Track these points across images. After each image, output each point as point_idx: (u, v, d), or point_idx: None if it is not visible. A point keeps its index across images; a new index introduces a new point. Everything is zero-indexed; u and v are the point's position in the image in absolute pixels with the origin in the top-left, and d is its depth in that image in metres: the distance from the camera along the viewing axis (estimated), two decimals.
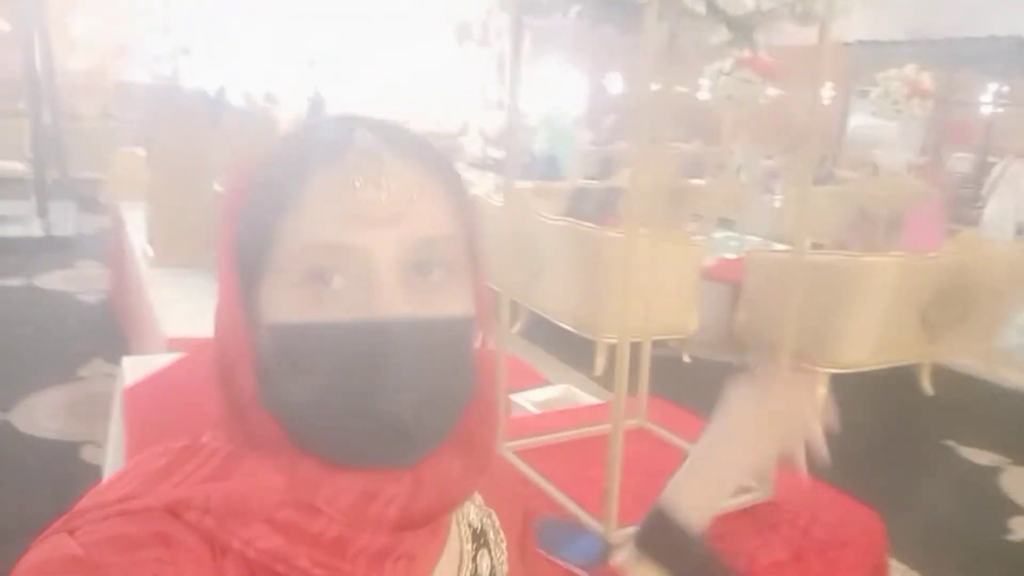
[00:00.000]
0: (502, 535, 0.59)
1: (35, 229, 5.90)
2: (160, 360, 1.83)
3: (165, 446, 0.49)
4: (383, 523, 0.46)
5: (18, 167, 6.92)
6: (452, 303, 0.48)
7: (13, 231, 5.83)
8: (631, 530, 0.69)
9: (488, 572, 0.56)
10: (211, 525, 0.44)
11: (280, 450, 0.46)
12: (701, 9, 0.95)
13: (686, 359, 3.92)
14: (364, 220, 0.45)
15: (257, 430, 0.47)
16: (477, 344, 0.50)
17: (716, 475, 0.69)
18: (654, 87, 1.23)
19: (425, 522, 0.48)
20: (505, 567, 0.58)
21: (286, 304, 0.46)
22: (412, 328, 0.45)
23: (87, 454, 2.66)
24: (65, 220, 6.18)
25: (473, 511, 0.59)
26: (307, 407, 0.46)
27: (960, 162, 8.52)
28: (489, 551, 0.58)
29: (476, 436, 0.50)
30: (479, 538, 0.58)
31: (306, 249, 0.45)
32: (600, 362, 3.66)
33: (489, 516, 0.60)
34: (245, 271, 0.47)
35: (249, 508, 0.45)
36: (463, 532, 0.56)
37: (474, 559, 0.56)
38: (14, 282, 4.76)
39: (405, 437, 0.45)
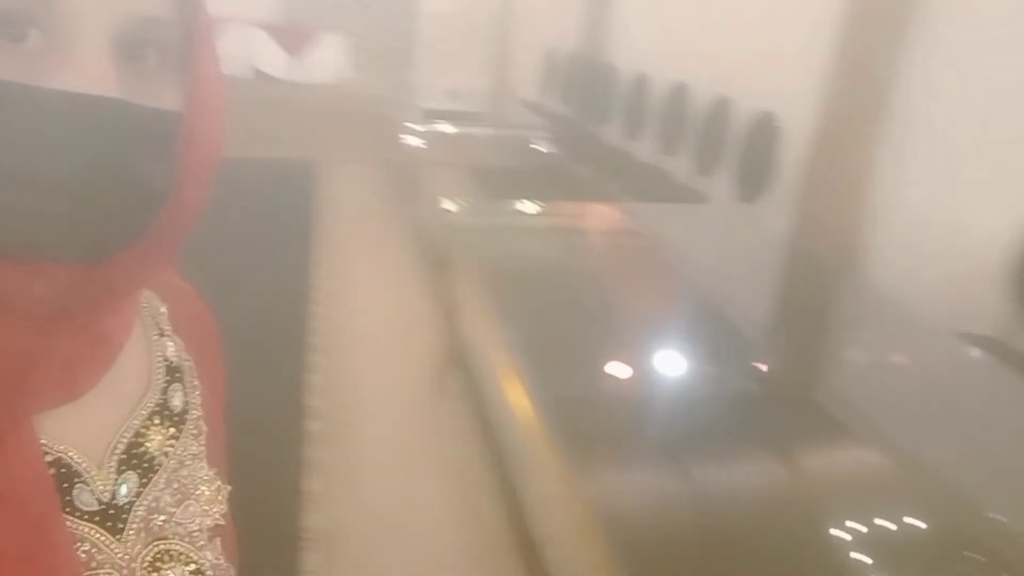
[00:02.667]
0: (196, 381, 0.56)
1: None
2: None
3: None
4: (22, 325, 0.41)
5: None
6: (162, 94, 0.42)
7: None
8: None
9: (181, 409, 0.53)
10: None
11: None
12: None
13: None
14: None
15: None
16: (186, 146, 0.44)
17: None
18: None
19: (79, 320, 0.44)
20: (199, 412, 0.55)
21: None
22: (111, 108, 0.39)
23: None
24: None
25: (171, 347, 0.55)
26: None
27: None
28: (184, 389, 0.54)
29: (164, 236, 0.45)
30: (173, 372, 0.54)
31: None
32: None
33: (189, 361, 0.56)
34: None
35: None
36: (155, 363, 0.53)
37: (165, 391, 0.52)
38: None
39: (88, 230, 0.40)
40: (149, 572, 0.47)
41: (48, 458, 0.43)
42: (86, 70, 0.38)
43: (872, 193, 3.23)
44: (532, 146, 4.42)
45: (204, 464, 0.53)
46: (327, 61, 8.26)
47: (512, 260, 2.68)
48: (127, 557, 0.46)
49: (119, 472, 0.46)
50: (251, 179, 5.19)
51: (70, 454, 0.44)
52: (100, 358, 0.46)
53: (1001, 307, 2.56)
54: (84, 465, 0.45)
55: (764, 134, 3.57)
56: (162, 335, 0.54)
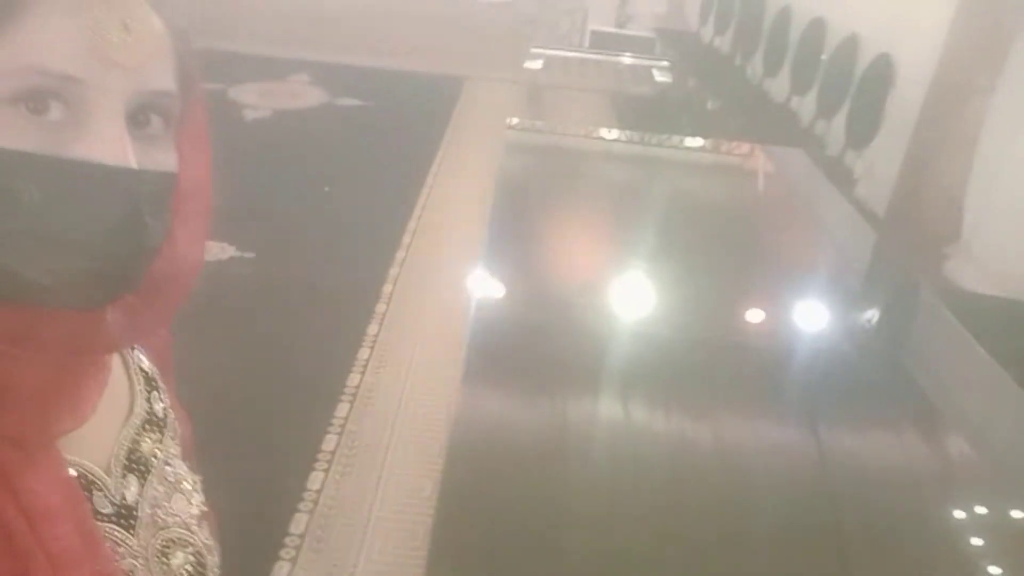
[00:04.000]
0: (164, 386, 0.62)
1: None
2: None
3: None
4: (46, 362, 0.46)
5: None
6: (161, 158, 0.47)
7: None
8: None
9: (163, 415, 0.59)
10: None
11: None
12: None
13: None
14: (104, 59, 0.43)
15: None
16: (179, 201, 0.49)
17: None
18: None
19: (93, 363, 0.50)
20: (173, 414, 0.61)
21: None
22: (127, 177, 0.43)
23: None
24: None
25: (144, 359, 0.61)
26: None
27: None
28: (160, 396, 0.60)
29: (160, 288, 0.50)
30: (151, 382, 0.60)
31: (30, 72, 0.41)
32: None
33: (155, 369, 0.62)
34: None
35: None
36: (134, 374, 0.58)
37: (148, 400, 0.58)
38: None
39: (96, 283, 0.44)
40: (160, 557, 0.54)
41: (72, 472, 0.49)
42: (104, 139, 0.42)
43: (980, 151, 3.02)
44: (657, 76, 4.44)
45: (181, 460, 0.59)
46: None
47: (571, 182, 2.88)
48: (141, 547, 0.53)
49: (123, 476, 0.53)
50: (403, 90, 5.67)
51: (86, 465, 0.51)
52: (99, 383, 0.51)
53: None
54: (98, 474, 0.51)
55: (879, 77, 3.40)
56: (134, 348, 0.59)
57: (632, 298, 2.25)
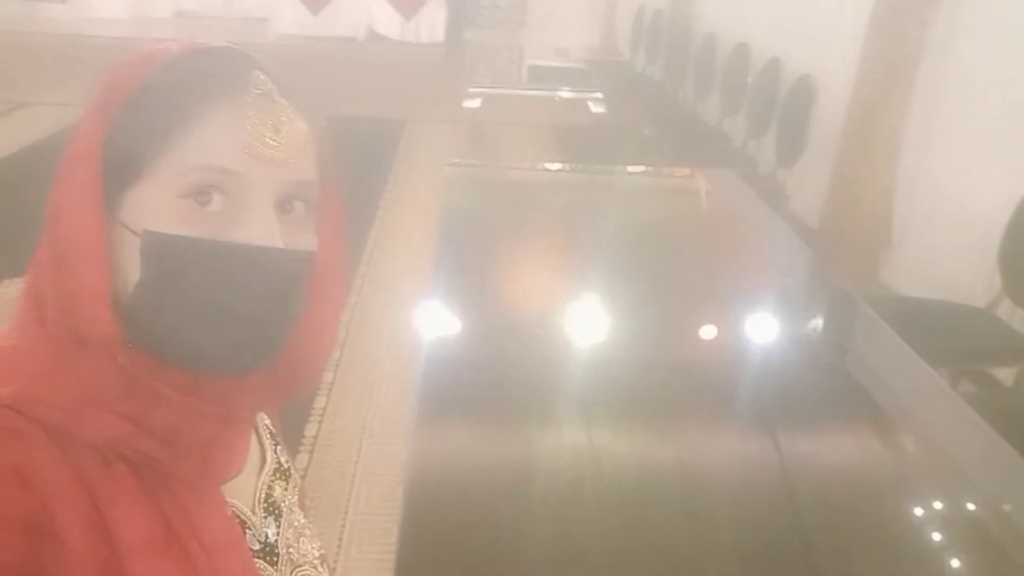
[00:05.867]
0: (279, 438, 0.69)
1: None
2: None
3: None
4: (210, 416, 0.52)
5: None
6: (303, 238, 0.52)
7: None
8: None
9: (287, 465, 0.66)
10: (59, 418, 0.47)
11: (114, 347, 0.49)
12: None
13: None
14: (259, 156, 0.49)
15: (93, 327, 0.48)
16: (316, 278, 0.54)
17: None
18: None
19: (243, 419, 0.56)
20: (293, 465, 0.68)
21: (161, 213, 0.48)
22: (276, 256, 0.49)
23: None
24: None
25: (266, 416, 0.68)
26: (165, 312, 0.48)
27: None
28: (284, 449, 0.68)
29: (300, 356, 0.56)
30: (275, 436, 0.67)
31: (199, 168, 0.48)
32: None
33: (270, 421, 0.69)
34: (112, 170, 0.48)
35: (95, 400, 0.48)
36: (262, 431, 0.65)
37: (275, 451, 0.65)
38: None
39: (247, 351, 0.50)
40: None
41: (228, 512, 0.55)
42: (258, 225, 0.49)
43: (901, 161, 3.17)
44: (593, 108, 4.56)
45: (298, 508, 0.65)
46: (437, 22, 8.63)
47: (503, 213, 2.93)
48: None
49: (265, 518, 0.60)
50: (344, 135, 5.66)
51: (239, 507, 0.57)
52: (247, 439, 0.59)
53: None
54: (247, 514, 0.58)
55: (802, 98, 3.55)
56: None
57: (585, 323, 2.29)
